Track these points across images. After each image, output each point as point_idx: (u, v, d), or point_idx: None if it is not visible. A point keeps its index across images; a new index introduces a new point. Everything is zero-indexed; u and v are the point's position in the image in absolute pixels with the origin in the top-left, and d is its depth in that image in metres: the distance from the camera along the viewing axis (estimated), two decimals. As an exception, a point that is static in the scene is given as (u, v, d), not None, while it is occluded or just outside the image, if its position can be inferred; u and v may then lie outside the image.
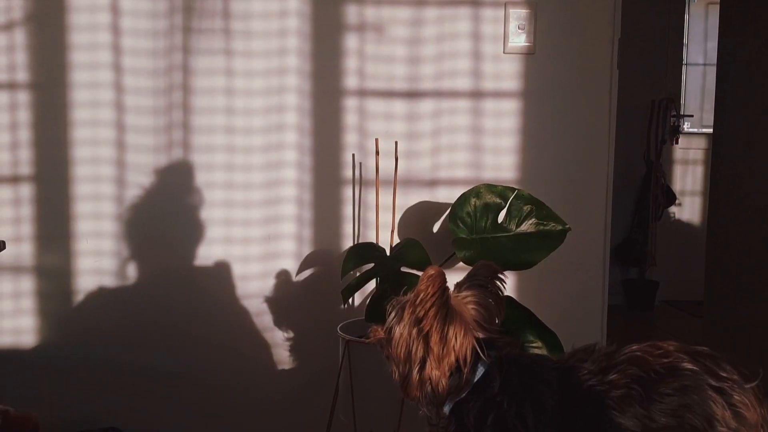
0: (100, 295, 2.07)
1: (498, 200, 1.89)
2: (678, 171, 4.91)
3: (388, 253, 1.91)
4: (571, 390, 1.00)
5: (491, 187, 1.91)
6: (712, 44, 4.19)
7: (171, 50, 2.03)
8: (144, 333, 2.08)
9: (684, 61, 4.94)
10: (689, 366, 0.99)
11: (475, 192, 1.90)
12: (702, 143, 4.84)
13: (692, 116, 4.96)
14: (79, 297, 2.07)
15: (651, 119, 4.69)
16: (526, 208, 1.87)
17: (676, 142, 4.84)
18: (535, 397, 1.00)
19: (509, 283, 2.08)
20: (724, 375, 1.00)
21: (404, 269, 1.80)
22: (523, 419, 0.98)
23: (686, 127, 4.94)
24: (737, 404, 0.98)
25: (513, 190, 1.91)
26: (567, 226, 1.86)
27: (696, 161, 4.90)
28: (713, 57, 3.87)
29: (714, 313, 3.70)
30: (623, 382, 0.98)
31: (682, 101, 4.94)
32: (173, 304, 2.08)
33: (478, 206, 1.88)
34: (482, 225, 1.87)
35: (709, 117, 3.89)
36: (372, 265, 1.84)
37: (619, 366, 1.00)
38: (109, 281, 2.07)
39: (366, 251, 1.90)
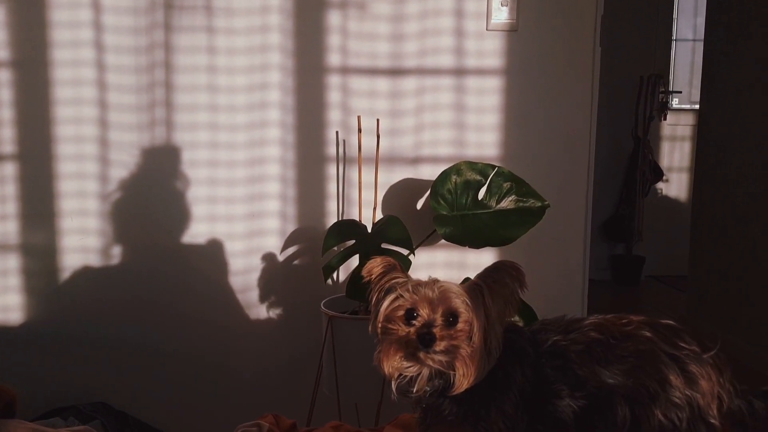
0: (86, 272, 2.09)
1: (478, 177, 1.91)
2: (666, 147, 4.92)
3: (369, 230, 1.93)
4: (538, 346, 1.07)
5: (472, 165, 1.93)
6: (702, 19, 4.18)
7: (152, 28, 2.02)
8: (129, 310, 2.09)
9: (673, 37, 4.91)
10: (647, 334, 1.04)
11: (455, 169, 1.91)
12: (690, 119, 4.84)
13: (681, 92, 4.95)
14: (65, 275, 2.08)
15: (639, 95, 4.68)
16: (506, 185, 1.89)
17: (665, 119, 4.84)
18: (519, 350, 1.07)
19: (492, 259, 2.13)
20: (683, 345, 1.04)
21: (385, 245, 1.81)
22: (514, 367, 1.06)
23: (675, 103, 4.94)
24: (693, 373, 1.02)
25: (493, 167, 1.92)
26: (546, 202, 1.88)
27: (684, 137, 4.91)
28: (703, 32, 3.86)
29: (697, 287, 3.75)
30: (582, 340, 1.04)
31: (670, 77, 4.93)
32: (158, 282, 2.10)
33: (458, 183, 1.89)
34: (463, 202, 1.89)
35: (698, 93, 3.89)
36: (353, 241, 1.86)
37: (581, 329, 1.05)
38: (94, 259, 2.08)
39: (347, 228, 1.91)
